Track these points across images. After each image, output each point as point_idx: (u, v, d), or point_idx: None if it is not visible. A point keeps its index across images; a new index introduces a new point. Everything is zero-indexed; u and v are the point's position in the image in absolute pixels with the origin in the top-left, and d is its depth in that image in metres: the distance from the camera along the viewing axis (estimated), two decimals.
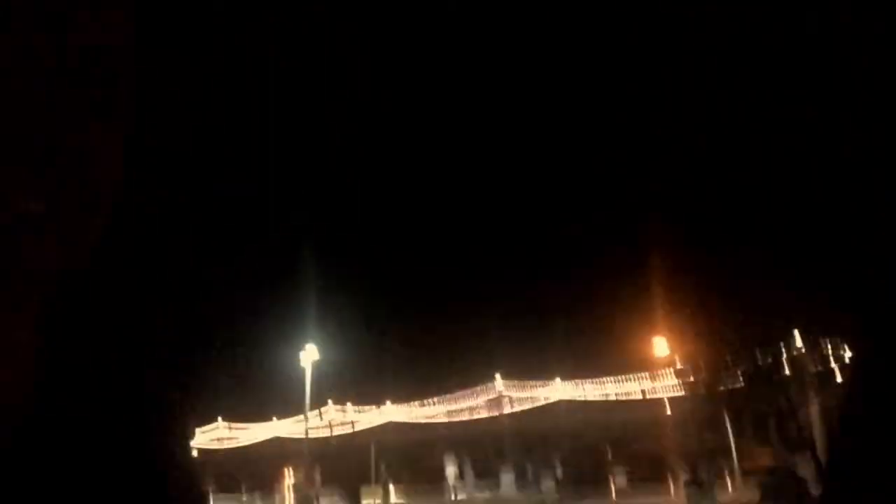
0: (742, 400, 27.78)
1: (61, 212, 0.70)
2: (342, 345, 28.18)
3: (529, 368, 31.75)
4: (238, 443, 41.38)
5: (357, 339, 27.91)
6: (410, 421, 36.00)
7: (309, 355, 25.41)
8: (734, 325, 24.21)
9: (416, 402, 35.42)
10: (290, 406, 31.32)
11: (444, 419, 35.04)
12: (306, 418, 26.98)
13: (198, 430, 39.79)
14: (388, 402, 35.84)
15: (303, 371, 26.73)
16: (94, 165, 0.72)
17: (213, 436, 41.37)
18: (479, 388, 33.75)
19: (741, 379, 26.70)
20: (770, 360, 26.37)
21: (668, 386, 30.31)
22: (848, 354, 28.29)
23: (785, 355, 26.80)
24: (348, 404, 37.07)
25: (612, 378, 31.75)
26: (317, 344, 25.55)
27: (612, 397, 32.06)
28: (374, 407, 36.25)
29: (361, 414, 36.71)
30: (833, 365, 27.37)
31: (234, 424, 40.85)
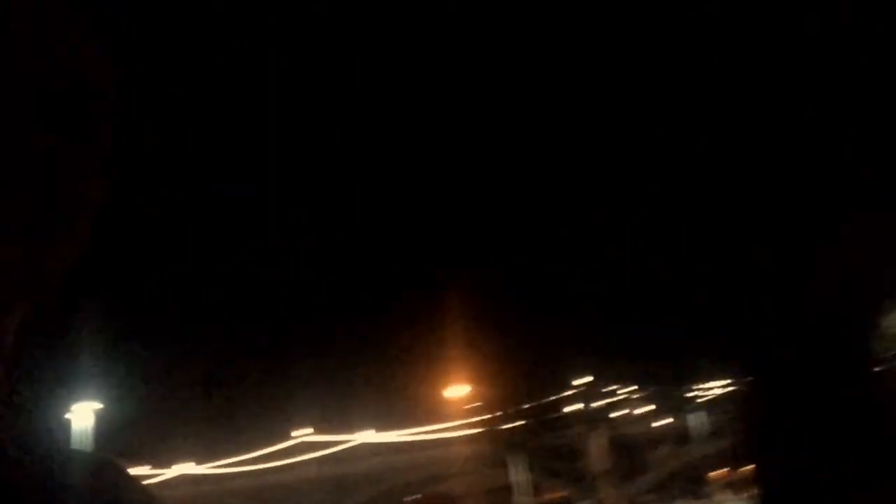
0: (528, 437, 29.50)
1: None
2: (133, 401, 26.69)
3: (335, 421, 31.76)
4: None
5: (151, 396, 26.55)
6: (204, 473, 34.57)
7: (81, 412, 23.83)
8: (521, 369, 25.62)
9: (213, 459, 34.10)
10: None
11: (241, 469, 34.05)
12: None
13: None
14: (182, 461, 34.23)
15: (87, 431, 25.12)
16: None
17: None
18: (280, 440, 33.14)
19: (527, 418, 28.43)
20: (553, 400, 28.32)
21: (464, 428, 31.52)
22: (623, 394, 30.95)
23: (569, 395, 28.88)
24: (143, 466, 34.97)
25: (413, 424, 32.51)
26: (107, 401, 24.09)
27: (413, 439, 32.77)
28: (169, 466, 34.47)
29: (153, 470, 34.76)
30: (612, 403, 29.92)
31: None
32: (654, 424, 33.75)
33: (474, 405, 31.27)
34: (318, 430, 32.97)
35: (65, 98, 0.63)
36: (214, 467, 33.62)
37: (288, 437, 33.21)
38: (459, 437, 32.07)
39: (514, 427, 30.29)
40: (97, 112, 0.67)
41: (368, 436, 33.00)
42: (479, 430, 30.50)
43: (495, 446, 30.55)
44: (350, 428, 32.90)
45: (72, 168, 0.65)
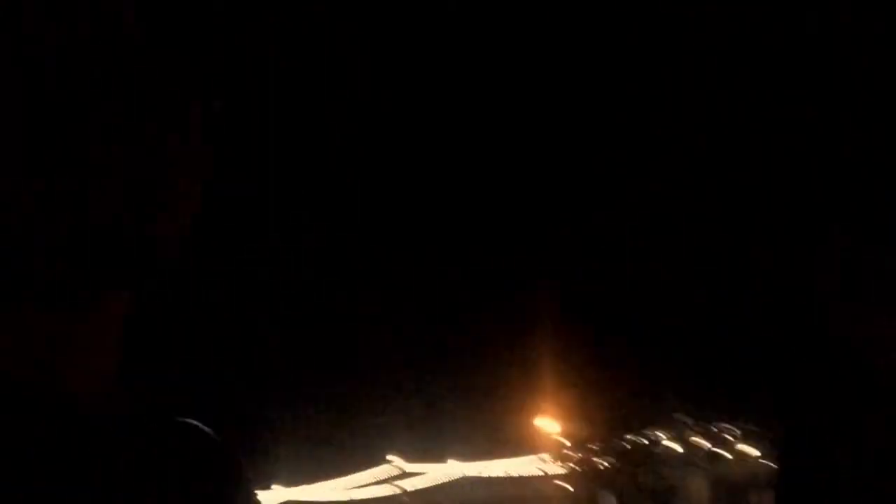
0: (620, 475, 28.68)
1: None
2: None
3: (424, 450, 31.90)
4: None
5: (243, 415, 27.17)
6: (292, 499, 35.14)
7: None
8: (616, 402, 25.02)
9: (301, 483, 34.60)
10: None
11: (331, 498, 34.35)
12: None
13: None
14: (275, 486, 34.90)
15: None
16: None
17: None
18: (374, 468, 33.38)
19: (619, 455, 27.68)
20: (649, 436, 27.47)
21: (553, 462, 31.03)
22: (730, 433, 29.72)
23: (668, 434, 27.97)
24: None
25: (502, 456, 32.30)
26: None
27: (513, 474, 32.59)
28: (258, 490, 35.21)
29: None
30: (717, 442, 28.75)
31: None
32: (759, 467, 32.13)
33: (564, 439, 30.70)
34: (408, 458, 33.09)
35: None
36: (304, 491, 34.17)
37: (377, 464, 33.46)
38: (548, 471, 31.52)
39: (605, 463, 29.51)
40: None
41: (457, 466, 32.93)
42: (569, 465, 29.91)
43: (585, 483, 29.83)
44: (439, 457, 32.94)
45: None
